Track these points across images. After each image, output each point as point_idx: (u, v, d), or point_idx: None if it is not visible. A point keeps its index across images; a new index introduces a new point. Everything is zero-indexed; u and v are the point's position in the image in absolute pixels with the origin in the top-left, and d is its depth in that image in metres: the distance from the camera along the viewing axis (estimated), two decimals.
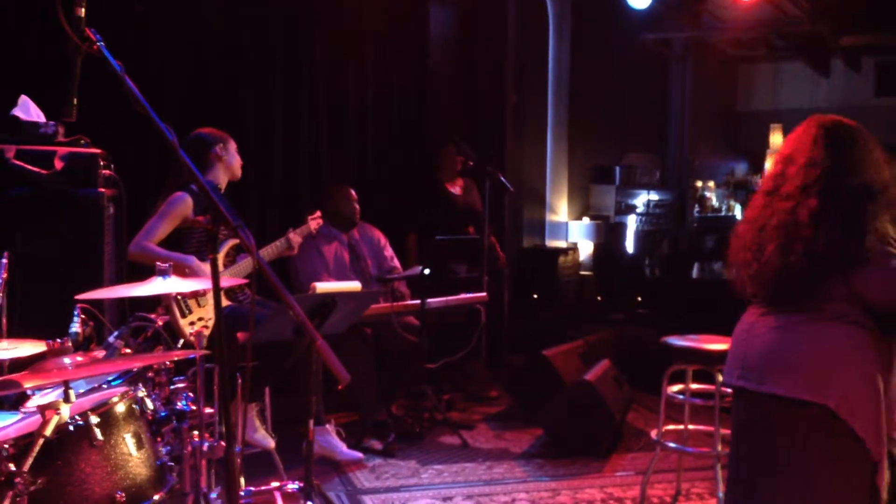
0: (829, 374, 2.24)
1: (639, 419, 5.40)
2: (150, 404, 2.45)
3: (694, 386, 4.03)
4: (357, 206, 5.35)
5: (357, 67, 6.24)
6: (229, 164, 4.20)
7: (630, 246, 8.98)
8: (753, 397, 2.38)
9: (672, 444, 4.02)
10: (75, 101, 1.90)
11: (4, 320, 2.74)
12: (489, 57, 7.07)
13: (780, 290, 2.36)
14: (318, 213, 4.65)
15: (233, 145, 4.24)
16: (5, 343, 2.53)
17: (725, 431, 3.86)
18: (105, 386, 2.47)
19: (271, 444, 4.10)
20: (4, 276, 2.72)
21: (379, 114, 6.41)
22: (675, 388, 4.01)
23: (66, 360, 2.09)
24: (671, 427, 4.16)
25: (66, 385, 2.00)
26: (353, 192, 5.35)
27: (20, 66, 4.16)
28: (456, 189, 5.96)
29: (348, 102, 6.20)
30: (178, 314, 3.82)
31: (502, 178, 5.87)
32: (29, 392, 2.35)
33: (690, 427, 4.16)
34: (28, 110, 3.52)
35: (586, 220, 8.36)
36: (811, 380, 2.25)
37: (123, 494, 2.13)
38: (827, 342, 2.27)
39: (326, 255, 5.21)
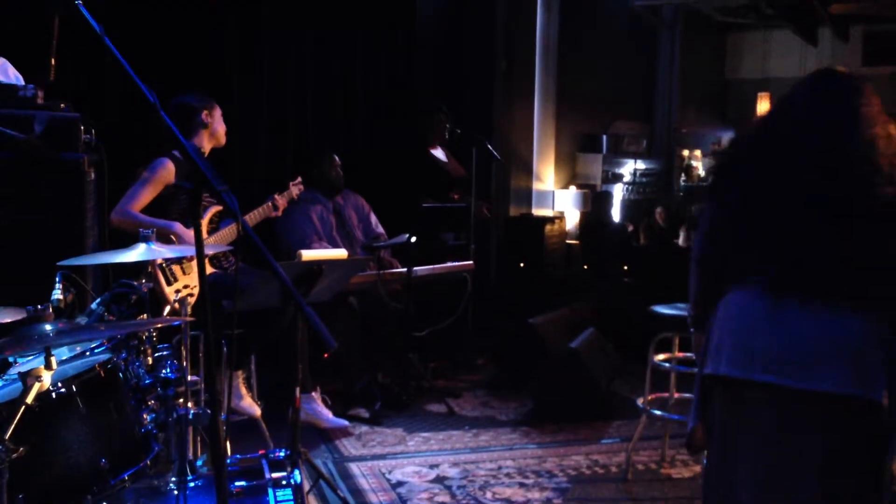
0: (874, 367, 1.98)
1: (624, 387, 5.42)
2: (134, 372, 2.42)
3: (680, 354, 4.04)
4: (341, 172, 5.32)
5: (345, 35, 6.16)
6: (214, 130, 4.16)
7: (616, 215, 8.98)
8: (782, 394, 2.03)
9: (658, 412, 4.04)
10: (53, 61, 1.85)
11: None
12: (477, 24, 6.99)
13: (832, 275, 2.01)
14: (299, 179, 4.63)
15: (218, 111, 4.19)
16: None
17: None
18: (88, 353, 2.44)
19: (257, 411, 4.09)
20: None
21: (366, 82, 6.34)
22: (661, 356, 4.02)
23: (48, 327, 2.05)
24: (657, 395, 4.17)
25: (48, 352, 1.97)
26: (336, 159, 5.31)
27: None
28: (441, 155, 5.93)
29: (335, 71, 6.13)
30: (162, 281, 3.79)
31: (490, 147, 5.84)
32: (10, 359, 2.31)
33: (676, 395, 4.18)
34: (6, 72, 3.44)
35: (573, 188, 8.34)
36: (859, 373, 1.97)
37: (108, 462, 2.11)
38: (869, 332, 2.00)
39: (314, 220, 5.18)
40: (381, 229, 5.48)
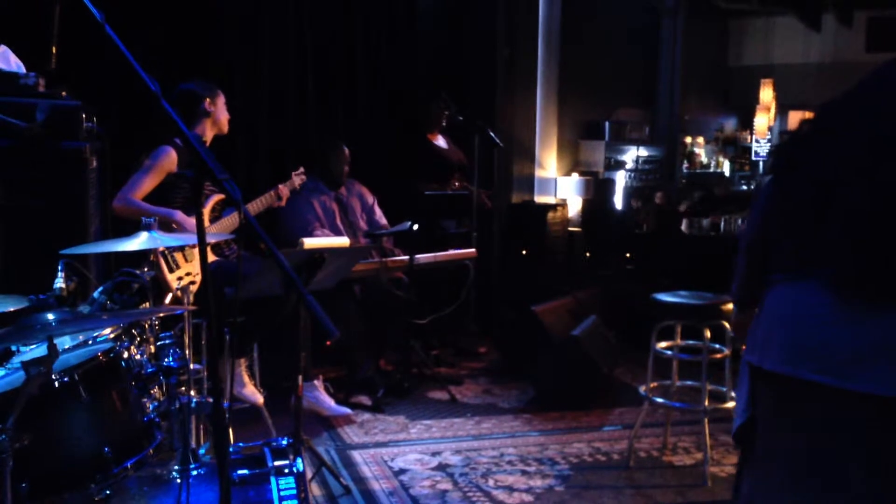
0: None
1: (627, 374, 5.43)
2: (136, 360, 2.42)
3: (682, 342, 4.04)
4: (347, 168, 5.32)
5: (346, 23, 6.14)
6: (217, 118, 4.15)
7: (619, 202, 8.96)
8: (830, 396, 1.90)
9: (660, 400, 4.05)
10: (54, 49, 1.84)
11: None
12: (479, 12, 6.96)
13: None
14: (302, 169, 4.63)
15: (221, 99, 4.19)
16: None
17: (712, 387, 3.91)
18: (90, 342, 2.44)
19: (260, 399, 4.10)
20: None
21: (368, 69, 6.32)
22: (664, 343, 4.02)
23: (51, 316, 2.05)
24: (659, 382, 4.18)
25: (51, 341, 1.97)
26: (346, 151, 5.31)
27: None
28: (441, 142, 5.91)
29: (337, 57, 6.11)
30: (165, 269, 3.79)
31: (492, 134, 5.82)
32: (13, 348, 2.32)
33: (678, 383, 4.18)
34: (8, 60, 3.43)
35: (575, 175, 8.32)
36: None
37: (110, 450, 2.12)
38: None
39: (317, 208, 5.18)
40: (384, 221, 5.48)
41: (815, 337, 1.92)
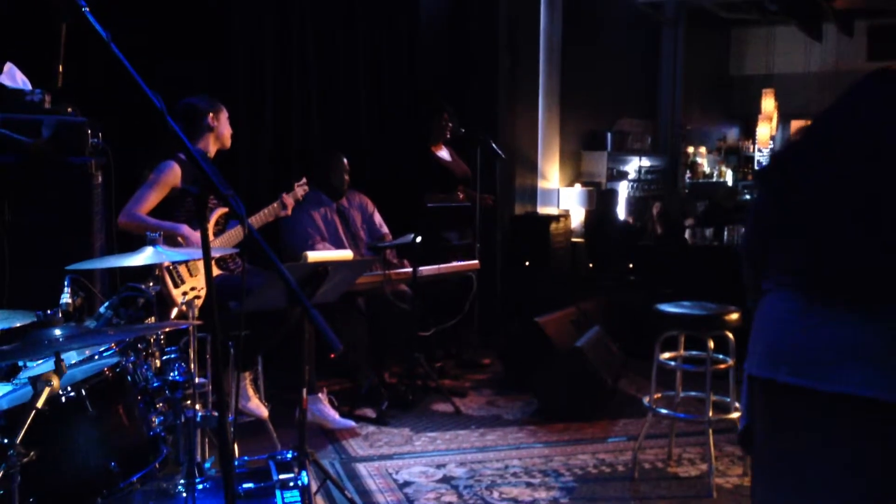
0: None
1: (630, 385, 5.43)
2: (142, 375, 2.44)
3: (685, 353, 4.05)
4: (347, 177, 5.33)
5: (348, 35, 6.18)
6: (220, 133, 4.17)
7: (622, 212, 8.97)
8: (805, 398, 1.98)
9: (664, 411, 4.05)
10: (61, 68, 1.86)
11: None
12: (480, 23, 7.00)
13: (870, 276, 1.94)
14: (304, 180, 4.64)
15: (224, 114, 4.21)
16: None
17: (716, 398, 3.91)
18: (97, 357, 2.45)
19: (265, 412, 4.11)
20: None
21: (370, 82, 6.36)
22: (667, 354, 4.02)
23: (57, 332, 2.07)
24: (663, 393, 4.18)
25: (58, 356, 1.99)
26: (345, 162, 5.33)
27: (5, 33, 4.09)
28: (444, 154, 5.93)
29: (339, 71, 6.14)
30: (170, 284, 3.81)
31: (494, 145, 5.85)
32: (20, 364, 2.33)
33: (682, 394, 4.18)
34: (14, 77, 3.46)
35: (578, 186, 8.34)
36: (887, 376, 1.89)
37: (117, 465, 2.13)
38: None
39: (318, 221, 5.19)
40: (385, 229, 5.49)
41: (787, 341, 2.02)
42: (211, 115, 4.12)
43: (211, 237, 3.96)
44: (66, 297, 2.51)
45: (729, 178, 11.21)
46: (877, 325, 1.91)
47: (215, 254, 3.52)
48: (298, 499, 2.54)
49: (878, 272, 1.92)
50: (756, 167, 10.68)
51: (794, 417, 2.04)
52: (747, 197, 10.65)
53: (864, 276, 1.94)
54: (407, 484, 3.85)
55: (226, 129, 4.20)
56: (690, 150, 10.80)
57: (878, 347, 1.90)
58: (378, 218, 5.52)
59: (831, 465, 1.97)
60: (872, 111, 2.03)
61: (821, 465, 1.98)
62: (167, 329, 2.68)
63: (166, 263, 3.78)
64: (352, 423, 4.56)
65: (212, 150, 4.16)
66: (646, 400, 4.06)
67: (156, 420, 2.40)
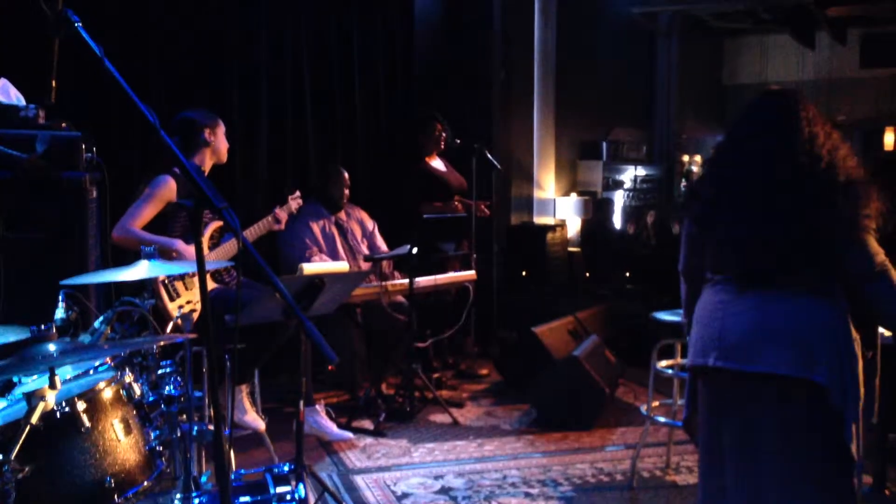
0: (816, 349, 2.19)
1: (628, 394, 5.42)
2: (137, 389, 2.43)
3: (682, 360, 4.04)
4: (347, 191, 5.35)
5: (342, 46, 6.20)
6: (216, 148, 4.16)
7: (618, 221, 8.99)
8: (734, 378, 2.28)
9: (661, 419, 4.05)
10: (54, 82, 1.87)
11: None
12: (475, 33, 7.02)
13: (784, 262, 2.25)
14: (298, 193, 4.64)
15: (221, 129, 4.19)
16: None
17: None
18: (92, 372, 2.45)
19: (261, 425, 4.10)
20: None
21: (365, 93, 6.37)
22: (664, 362, 4.02)
23: (52, 347, 2.06)
24: (661, 401, 4.17)
25: (52, 371, 1.98)
26: (346, 176, 5.34)
27: None
28: (439, 165, 5.94)
29: (334, 83, 6.16)
30: (165, 298, 3.80)
31: (489, 156, 5.85)
32: (14, 379, 2.33)
33: (680, 401, 4.18)
34: (8, 93, 3.47)
35: (574, 196, 8.36)
36: (799, 355, 2.18)
37: (112, 481, 2.12)
38: (813, 317, 2.21)
39: (316, 233, 5.20)
40: (385, 248, 5.49)
41: (714, 328, 2.34)
42: (208, 129, 4.12)
43: (206, 251, 3.96)
44: (60, 312, 2.51)
45: None
46: (785, 307, 2.23)
47: (210, 267, 3.52)
48: None
49: (785, 262, 2.24)
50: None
51: (726, 396, 2.34)
52: None
53: (776, 267, 2.25)
54: (405, 496, 3.84)
55: (222, 144, 4.19)
56: (686, 158, 10.82)
57: (787, 329, 2.22)
58: (379, 237, 5.53)
59: (760, 434, 2.26)
60: (756, 121, 2.40)
61: (752, 434, 2.27)
62: (162, 343, 2.67)
63: (162, 277, 3.78)
64: (349, 435, 4.55)
65: (207, 164, 4.16)
66: (643, 408, 4.06)
67: (152, 434, 2.39)
